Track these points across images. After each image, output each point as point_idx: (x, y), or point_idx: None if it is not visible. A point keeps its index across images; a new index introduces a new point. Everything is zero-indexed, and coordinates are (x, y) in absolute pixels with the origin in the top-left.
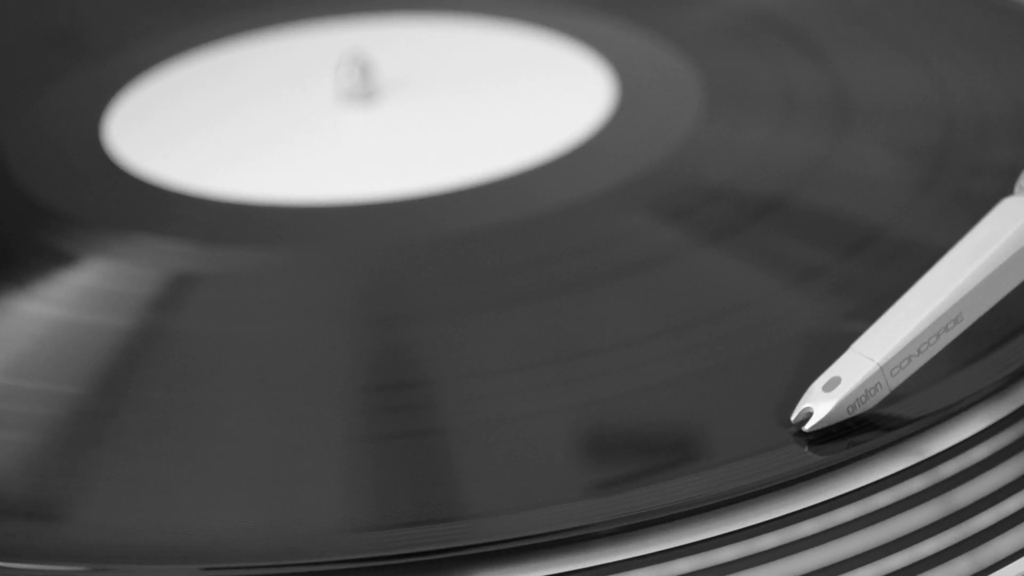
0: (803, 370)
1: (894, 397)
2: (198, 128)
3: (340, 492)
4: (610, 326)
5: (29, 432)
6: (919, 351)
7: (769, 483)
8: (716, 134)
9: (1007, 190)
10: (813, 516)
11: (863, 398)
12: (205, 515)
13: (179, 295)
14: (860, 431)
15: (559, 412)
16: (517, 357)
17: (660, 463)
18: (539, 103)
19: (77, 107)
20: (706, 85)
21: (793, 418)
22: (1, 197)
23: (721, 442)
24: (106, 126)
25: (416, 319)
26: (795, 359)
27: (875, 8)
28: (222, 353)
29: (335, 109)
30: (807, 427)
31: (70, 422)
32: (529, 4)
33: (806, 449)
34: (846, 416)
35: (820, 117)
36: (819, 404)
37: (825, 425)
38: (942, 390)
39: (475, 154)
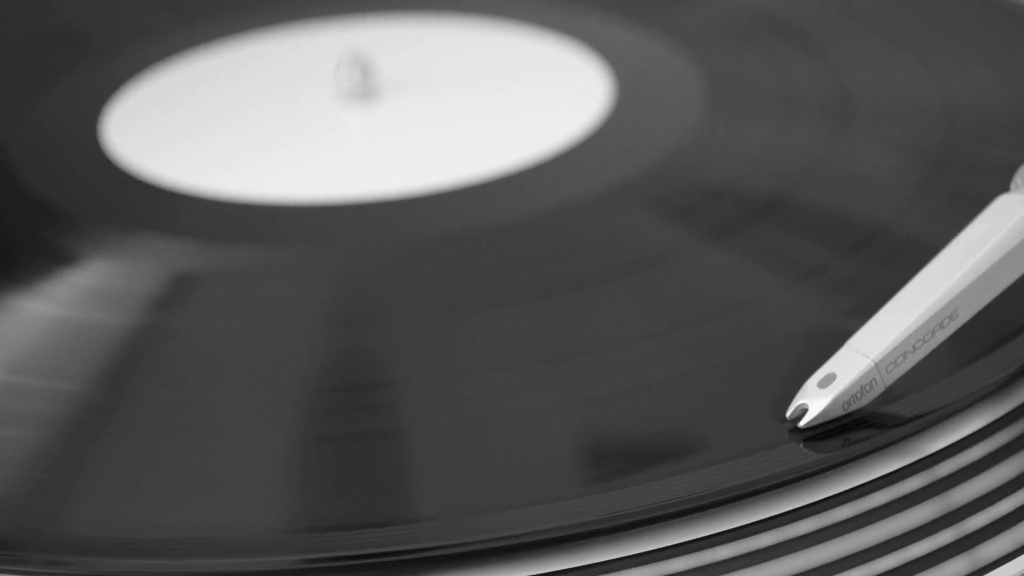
0: (803, 368)
1: (892, 396)
2: (198, 128)
3: (340, 488)
4: (611, 324)
5: (30, 429)
6: (914, 347)
7: (766, 482)
8: (717, 133)
9: (1006, 189)
10: (810, 515)
11: (858, 394)
12: (204, 512)
13: (180, 294)
14: (857, 429)
15: (559, 410)
16: (518, 355)
17: (659, 461)
18: (539, 102)
19: (78, 106)
20: (706, 84)
21: (788, 414)
22: (3, 196)
23: (721, 440)
24: (106, 125)
25: (416, 317)
26: (796, 357)
27: (876, 7)
28: (223, 351)
29: (335, 109)
30: (802, 423)
31: (71, 419)
32: (529, 4)
33: (801, 446)
34: (841, 412)
35: (820, 116)
36: (814, 400)
37: (820, 421)
38: (940, 389)
39: (475, 154)
